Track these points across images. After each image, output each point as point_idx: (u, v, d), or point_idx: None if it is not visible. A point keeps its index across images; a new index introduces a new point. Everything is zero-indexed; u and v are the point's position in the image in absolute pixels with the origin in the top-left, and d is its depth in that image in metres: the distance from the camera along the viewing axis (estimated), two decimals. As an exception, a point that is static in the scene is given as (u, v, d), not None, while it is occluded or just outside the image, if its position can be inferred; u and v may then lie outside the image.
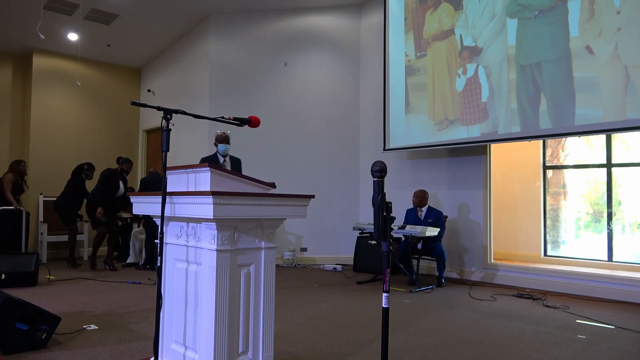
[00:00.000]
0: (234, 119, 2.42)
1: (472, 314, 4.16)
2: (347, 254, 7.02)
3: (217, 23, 7.51)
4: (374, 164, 2.18)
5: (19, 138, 8.29)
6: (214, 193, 1.97)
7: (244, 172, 4.38)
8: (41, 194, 7.76)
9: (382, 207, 2.09)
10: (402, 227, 5.41)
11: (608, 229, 5.59)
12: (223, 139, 4.66)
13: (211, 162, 4.37)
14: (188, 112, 2.31)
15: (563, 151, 6.25)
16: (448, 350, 3.13)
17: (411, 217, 5.83)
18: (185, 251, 2.33)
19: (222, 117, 2.41)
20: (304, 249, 7.36)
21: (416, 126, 6.35)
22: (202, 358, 2.16)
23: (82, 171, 6.88)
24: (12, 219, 6.29)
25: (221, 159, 4.62)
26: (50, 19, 6.92)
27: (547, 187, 6.25)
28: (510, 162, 6.52)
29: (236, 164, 4.79)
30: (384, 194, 2.11)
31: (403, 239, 5.70)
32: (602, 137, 5.67)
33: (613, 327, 3.75)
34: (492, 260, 5.91)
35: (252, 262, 2.27)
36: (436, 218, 5.63)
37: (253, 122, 2.47)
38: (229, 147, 4.67)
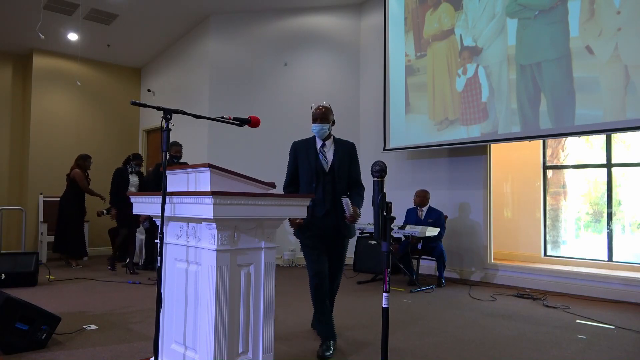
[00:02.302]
0: (234, 119, 2.42)
1: (472, 314, 4.16)
2: (347, 254, 6.99)
3: (217, 23, 7.51)
4: (374, 164, 2.19)
5: (19, 138, 8.29)
6: (214, 193, 1.96)
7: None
8: (41, 193, 7.76)
9: (382, 207, 2.10)
10: (402, 227, 5.42)
11: (608, 229, 5.59)
12: (317, 117, 3.19)
13: (305, 147, 3.24)
14: (188, 112, 2.31)
15: (563, 151, 6.25)
16: (448, 350, 3.12)
17: (411, 216, 5.83)
18: (185, 251, 2.33)
19: (222, 117, 2.41)
20: (304, 249, 7.34)
21: (416, 126, 6.34)
22: (202, 358, 2.16)
23: (128, 162, 6.48)
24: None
25: (319, 143, 3.21)
26: (50, 19, 6.92)
27: (547, 187, 6.25)
28: (510, 162, 6.52)
29: (345, 151, 3.28)
30: (384, 194, 2.11)
31: (403, 239, 5.70)
32: (602, 137, 5.67)
33: (613, 327, 3.75)
34: (492, 260, 5.91)
35: (252, 262, 2.27)
36: (436, 218, 5.64)
37: (253, 122, 2.47)
38: (327, 128, 3.20)
